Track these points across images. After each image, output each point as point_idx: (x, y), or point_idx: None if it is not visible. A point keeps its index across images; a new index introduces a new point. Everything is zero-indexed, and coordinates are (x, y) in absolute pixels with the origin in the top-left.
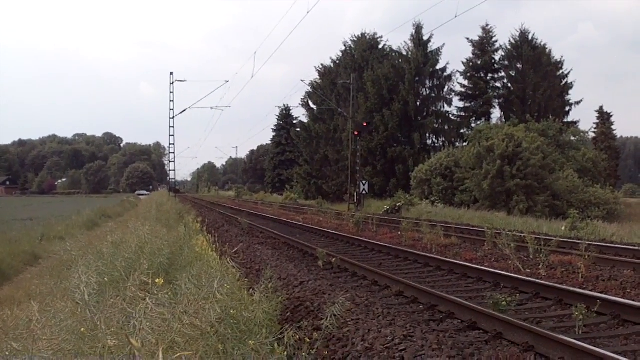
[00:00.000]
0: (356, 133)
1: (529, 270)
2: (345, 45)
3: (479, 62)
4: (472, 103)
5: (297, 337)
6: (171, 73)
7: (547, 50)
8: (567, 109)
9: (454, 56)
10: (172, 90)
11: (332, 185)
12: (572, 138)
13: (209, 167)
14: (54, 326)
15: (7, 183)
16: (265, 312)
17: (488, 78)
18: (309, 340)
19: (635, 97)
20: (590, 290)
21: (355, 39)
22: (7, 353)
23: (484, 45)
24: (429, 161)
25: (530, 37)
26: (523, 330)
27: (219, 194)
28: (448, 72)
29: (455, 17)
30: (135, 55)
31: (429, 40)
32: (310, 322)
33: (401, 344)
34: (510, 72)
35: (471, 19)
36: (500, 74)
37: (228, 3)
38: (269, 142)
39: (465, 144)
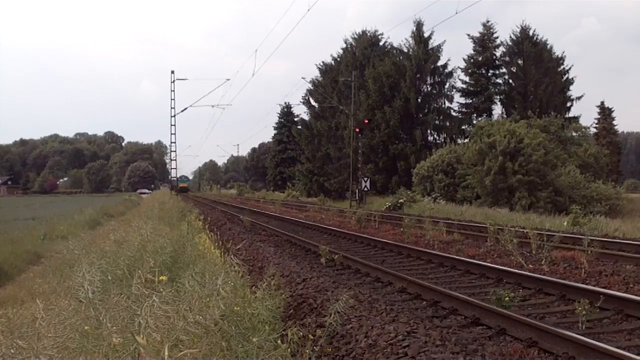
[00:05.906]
0: (357, 130)
1: (531, 266)
2: (346, 43)
3: (480, 59)
4: (474, 99)
5: (301, 334)
6: (172, 71)
7: (548, 46)
8: (569, 104)
9: (455, 53)
10: (173, 89)
11: (334, 183)
12: (574, 134)
13: (211, 166)
14: (58, 324)
15: (9, 183)
16: (269, 309)
17: (489, 74)
18: (312, 337)
19: (636, 91)
20: (593, 286)
21: (356, 36)
22: (12, 351)
23: (484, 41)
24: (430, 158)
25: (531, 33)
26: (526, 325)
27: (221, 192)
28: (449, 68)
29: (456, 13)
30: (136, 52)
31: (429, 37)
32: (313, 319)
33: (405, 340)
34: (512, 68)
35: (472, 16)
36: (501, 70)
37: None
38: (271, 140)
39: (466, 140)
